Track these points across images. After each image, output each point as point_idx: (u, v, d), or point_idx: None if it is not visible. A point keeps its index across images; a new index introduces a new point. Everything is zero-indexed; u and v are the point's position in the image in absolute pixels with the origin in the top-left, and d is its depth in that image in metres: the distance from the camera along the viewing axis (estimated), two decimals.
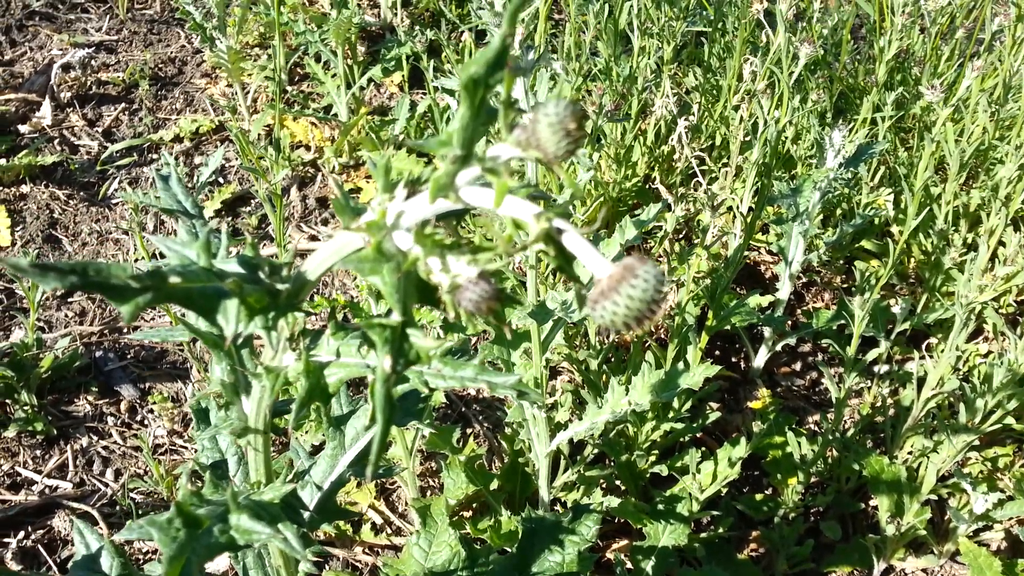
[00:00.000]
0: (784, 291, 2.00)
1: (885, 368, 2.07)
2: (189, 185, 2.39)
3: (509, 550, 1.60)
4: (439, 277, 0.51)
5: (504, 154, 0.51)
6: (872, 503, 1.92)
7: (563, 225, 0.51)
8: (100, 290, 0.52)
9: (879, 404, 2.00)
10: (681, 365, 1.47)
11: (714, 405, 1.99)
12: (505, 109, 0.49)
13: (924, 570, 1.85)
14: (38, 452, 1.91)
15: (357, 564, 1.77)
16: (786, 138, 1.93)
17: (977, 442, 1.73)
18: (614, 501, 1.69)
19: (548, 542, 1.22)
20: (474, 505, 1.82)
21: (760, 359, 2.11)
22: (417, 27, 3.00)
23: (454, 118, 0.52)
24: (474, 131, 0.52)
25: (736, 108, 2.14)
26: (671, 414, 1.79)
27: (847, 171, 1.71)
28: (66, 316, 2.19)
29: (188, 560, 0.60)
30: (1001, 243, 2.05)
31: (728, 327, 2.01)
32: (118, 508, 1.84)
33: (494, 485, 1.78)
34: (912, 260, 2.21)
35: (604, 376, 1.76)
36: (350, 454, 0.92)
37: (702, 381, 1.39)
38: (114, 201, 2.48)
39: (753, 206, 1.95)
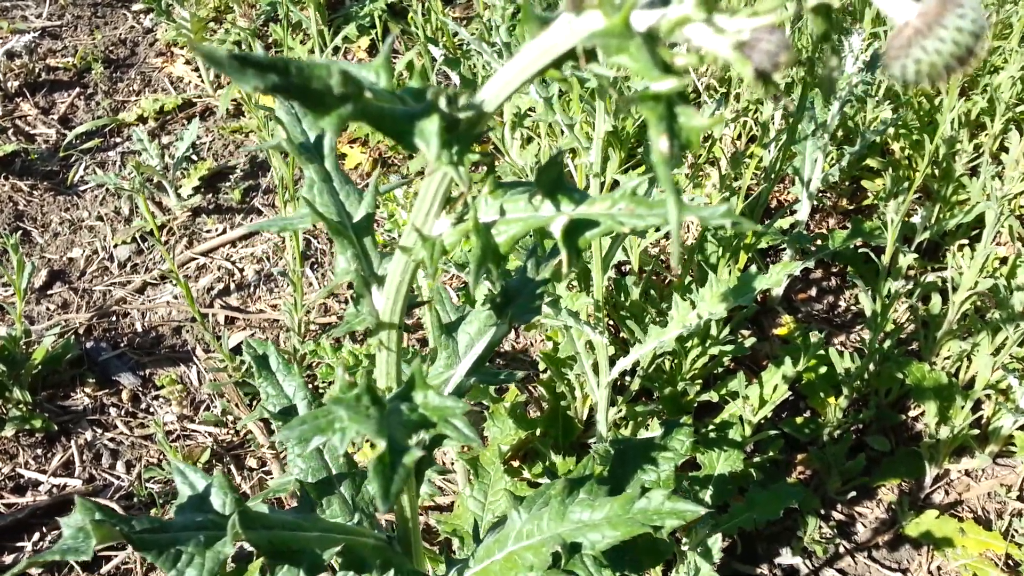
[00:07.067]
0: (803, 211, 1.97)
1: (902, 283, 2.06)
2: (165, 163, 2.25)
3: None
4: (711, 43, 0.44)
5: None
6: (911, 414, 1.91)
7: None
8: (300, 94, 0.43)
9: (906, 318, 1.99)
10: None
11: (745, 332, 1.95)
12: None
13: (967, 472, 1.84)
14: (39, 451, 1.77)
15: None
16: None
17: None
18: None
19: (640, 462, 1.16)
20: (519, 454, 1.75)
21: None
22: None
23: None
24: None
25: None
26: (709, 341, 1.74)
27: (868, 75, 1.68)
28: (48, 309, 2.04)
29: (391, 438, 0.52)
30: (1005, 148, 2.06)
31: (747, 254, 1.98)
32: (136, 500, 1.71)
33: (536, 432, 1.71)
34: (917, 173, 2.20)
35: (643, 307, 1.70)
36: (466, 362, 0.84)
37: (783, 280, 1.33)
38: (82, 188, 2.32)
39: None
